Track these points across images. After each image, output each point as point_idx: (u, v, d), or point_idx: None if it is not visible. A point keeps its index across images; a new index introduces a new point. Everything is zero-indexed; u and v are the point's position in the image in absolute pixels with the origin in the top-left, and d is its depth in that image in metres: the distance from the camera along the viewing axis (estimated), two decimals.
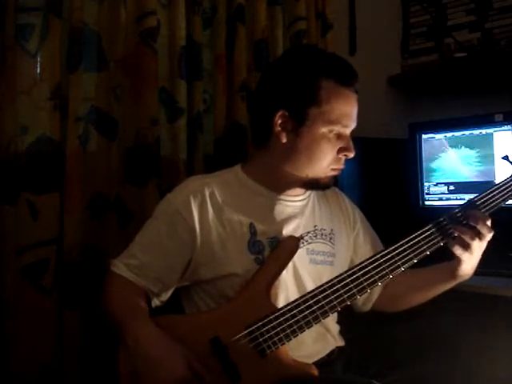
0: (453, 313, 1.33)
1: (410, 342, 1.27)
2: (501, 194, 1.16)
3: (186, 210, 1.17)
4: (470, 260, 1.16)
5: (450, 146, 1.75)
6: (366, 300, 1.33)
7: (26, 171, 1.38)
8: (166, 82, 1.63)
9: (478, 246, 1.14)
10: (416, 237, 1.15)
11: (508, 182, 1.17)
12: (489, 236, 1.13)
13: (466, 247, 1.13)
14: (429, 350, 1.24)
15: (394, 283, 1.28)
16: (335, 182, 1.28)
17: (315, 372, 1.12)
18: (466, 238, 1.13)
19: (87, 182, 1.47)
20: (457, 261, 1.17)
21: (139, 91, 1.55)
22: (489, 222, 1.13)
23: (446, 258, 1.18)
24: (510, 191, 1.16)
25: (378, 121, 1.94)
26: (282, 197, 1.24)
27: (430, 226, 1.15)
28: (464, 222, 1.13)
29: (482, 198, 1.16)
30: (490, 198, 1.16)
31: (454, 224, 1.14)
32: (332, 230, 1.30)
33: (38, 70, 1.42)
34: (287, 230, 1.21)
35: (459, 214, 1.15)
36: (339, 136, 1.18)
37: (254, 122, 1.28)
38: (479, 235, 1.12)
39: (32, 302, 1.37)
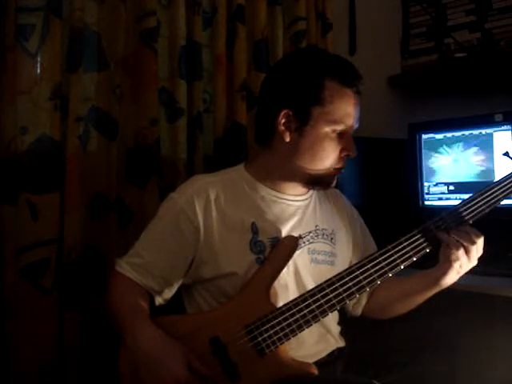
0: (452, 313, 1.33)
1: (410, 342, 1.28)
2: (485, 201, 1.14)
3: (190, 209, 1.18)
4: (460, 270, 1.14)
5: (450, 146, 1.75)
6: (356, 304, 1.33)
7: (27, 171, 1.38)
8: (166, 82, 1.63)
9: (473, 258, 1.12)
10: (415, 234, 1.14)
11: (492, 189, 1.15)
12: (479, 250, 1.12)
13: (461, 257, 1.12)
14: (429, 350, 1.24)
15: (380, 291, 1.29)
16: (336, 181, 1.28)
17: (315, 371, 1.12)
18: (460, 249, 1.11)
19: (87, 182, 1.47)
20: (446, 268, 1.15)
21: (139, 91, 1.55)
22: (479, 240, 1.12)
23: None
24: (494, 198, 1.15)
25: (378, 121, 1.94)
26: (285, 196, 1.24)
27: (431, 222, 1.15)
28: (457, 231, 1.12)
29: (466, 204, 1.15)
30: (475, 205, 1.14)
31: (445, 229, 1.14)
32: (333, 230, 1.30)
33: (38, 70, 1.42)
34: (288, 230, 1.21)
35: (446, 221, 1.14)
36: (342, 136, 1.19)
37: (258, 121, 1.28)
38: (471, 251, 1.11)
39: (32, 302, 1.37)
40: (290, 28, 1.88)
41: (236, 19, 1.73)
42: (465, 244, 1.11)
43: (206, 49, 1.73)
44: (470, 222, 1.14)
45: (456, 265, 1.13)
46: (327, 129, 1.17)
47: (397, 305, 1.29)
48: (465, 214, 1.14)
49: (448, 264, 1.14)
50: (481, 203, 1.14)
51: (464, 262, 1.12)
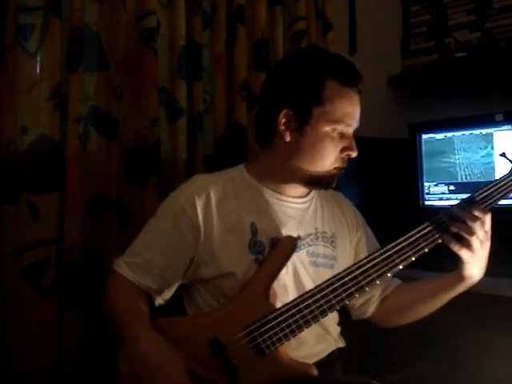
0: (453, 313, 1.33)
1: (410, 342, 1.27)
2: (500, 190, 1.14)
3: (190, 208, 1.18)
4: (472, 259, 1.12)
5: (450, 146, 1.75)
6: (363, 305, 1.31)
7: (26, 171, 1.38)
8: (166, 82, 1.63)
9: (479, 244, 1.10)
10: (414, 234, 1.13)
11: (507, 179, 1.15)
12: (481, 233, 1.10)
13: (466, 245, 1.10)
14: (429, 349, 1.24)
15: (402, 293, 1.28)
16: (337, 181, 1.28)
17: (315, 372, 1.12)
18: (464, 235, 1.10)
19: (87, 182, 1.47)
20: (460, 261, 1.14)
21: (139, 91, 1.55)
22: (487, 219, 1.10)
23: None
24: (508, 187, 1.14)
25: (378, 121, 1.94)
26: (285, 198, 1.24)
27: (428, 223, 1.13)
28: (461, 219, 1.11)
29: (482, 193, 1.14)
30: (490, 194, 1.13)
31: (451, 221, 1.12)
32: (334, 233, 1.29)
33: (38, 70, 1.41)
34: (287, 231, 1.21)
35: (456, 211, 1.13)
36: (342, 135, 1.19)
37: (259, 121, 1.28)
38: (475, 232, 1.09)
39: (32, 302, 1.37)
40: (290, 28, 1.88)
41: (236, 19, 1.73)
42: (474, 228, 1.08)
43: (206, 49, 1.73)
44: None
45: (471, 248, 1.10)
46: (327, 128, 1.17)
47: (419, 306, 1.26)
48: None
49: (464, 251, 1.11)
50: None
51: (477, 243, 1.10)
